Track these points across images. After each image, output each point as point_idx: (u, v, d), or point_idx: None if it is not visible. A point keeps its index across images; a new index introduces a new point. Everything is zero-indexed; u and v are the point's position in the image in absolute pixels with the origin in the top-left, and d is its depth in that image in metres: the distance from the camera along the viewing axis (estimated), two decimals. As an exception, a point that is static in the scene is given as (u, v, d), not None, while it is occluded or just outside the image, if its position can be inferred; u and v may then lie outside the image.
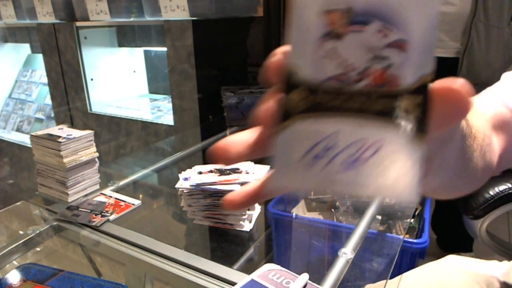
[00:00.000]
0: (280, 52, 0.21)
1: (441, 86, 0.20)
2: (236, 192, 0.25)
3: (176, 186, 0.77)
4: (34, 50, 2.78)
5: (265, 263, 0.57)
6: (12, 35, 2.72)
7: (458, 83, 0.20)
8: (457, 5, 1.18)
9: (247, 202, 0.25)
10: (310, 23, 0.20)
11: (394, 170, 0.19)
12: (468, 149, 0.30)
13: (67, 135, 0.84)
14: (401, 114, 0.19)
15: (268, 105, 0.21)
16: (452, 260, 0.77)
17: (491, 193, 0.93)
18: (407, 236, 1.16)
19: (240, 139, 0.23)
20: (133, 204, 0.85)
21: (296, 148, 0.20)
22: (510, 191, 0.93)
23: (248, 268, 0.59)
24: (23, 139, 2.58)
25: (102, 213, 0.78)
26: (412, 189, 0.19)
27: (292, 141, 0.20)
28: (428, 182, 0.30)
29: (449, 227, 1.63)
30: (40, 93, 2.74)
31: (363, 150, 0.20)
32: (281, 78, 0.21)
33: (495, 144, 0.38)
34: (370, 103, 0.20)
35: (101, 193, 0.89)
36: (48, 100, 2.56)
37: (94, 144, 0.88)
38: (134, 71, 2.33)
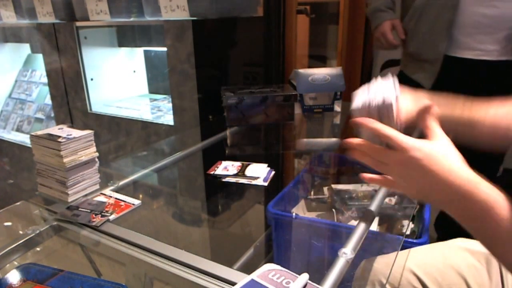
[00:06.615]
0: None
1: None
2: None
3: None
4: (34, 50, 2.78)
5: (265, 263, 0.57)
6: (12, 35, 2.72)
7: None
8: (500, 8, 1.15)
9: None
10: None
11: None
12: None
13: (67, 135, 0.84)
14: None
15: None
16: (459, 241, 0.84)
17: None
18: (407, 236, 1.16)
19: None
20: (133, 204, 0.85)
21: None
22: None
23: (248, 268, 0.59)
24: (23, 139, 2.58)
25: (102, 213, 0.78)
26: None
27: None
28: None
29: (452, 228, 1.62)
30: (40, 93, 2.74)
31: None
32: None
33: None
34: None
35: (101, 193, 0.89)
36: (48, 100, 2.56)
37: (94, 144, 0.88)
38: (134, 71, 2.33)
